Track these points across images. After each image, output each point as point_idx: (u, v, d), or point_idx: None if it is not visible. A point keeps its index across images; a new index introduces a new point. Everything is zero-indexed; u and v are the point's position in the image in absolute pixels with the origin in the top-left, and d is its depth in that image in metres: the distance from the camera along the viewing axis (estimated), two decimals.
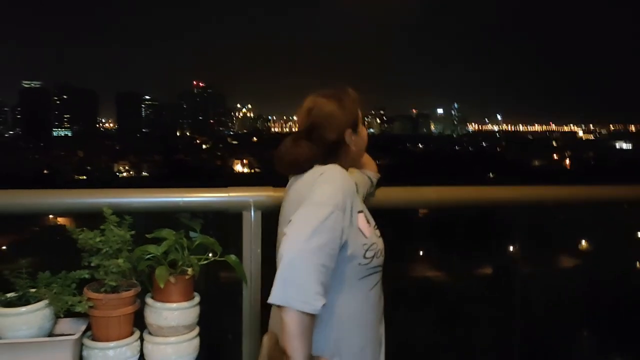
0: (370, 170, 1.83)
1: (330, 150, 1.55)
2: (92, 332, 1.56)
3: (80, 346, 1.53)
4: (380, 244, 1.51)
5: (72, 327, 1.57)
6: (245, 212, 1.81)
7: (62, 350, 1.47)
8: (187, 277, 1.58)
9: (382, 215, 1.65)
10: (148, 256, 1.57)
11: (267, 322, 1.62)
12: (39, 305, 1.48)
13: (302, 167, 1.53)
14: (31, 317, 1.47)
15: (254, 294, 1.80)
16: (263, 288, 1.82)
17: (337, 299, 1.40)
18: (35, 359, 1.45)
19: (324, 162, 1.51)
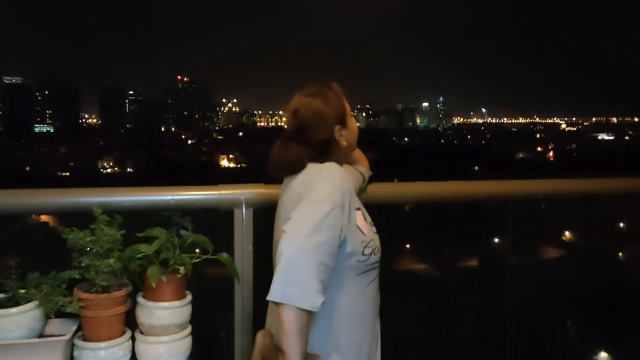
0: (362, 166, 1.84)
1: (322, 149, 1.55)
2: (83, 333, 1.55)
3: (71, 346, 1.52)
4: (377, 240, 1.52)
5: (62, 328, 1.56)
6: (236, 210, 1.81)
7: (53, 351, 1.46)
8: (179, 275, 1.57)
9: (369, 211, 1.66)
10: (139, 255, 1.56)
11: (259, 320, 1.62)
12: (29, 306, 1.47)
13: (294, 168, 1.53)
14: (21, 318, 1.45)
15: (246, 291, 1.80)
16: (255, 286, 1.82)
17: (335, 295, 1.41)
18: None
19: (317, 161, 1.52)
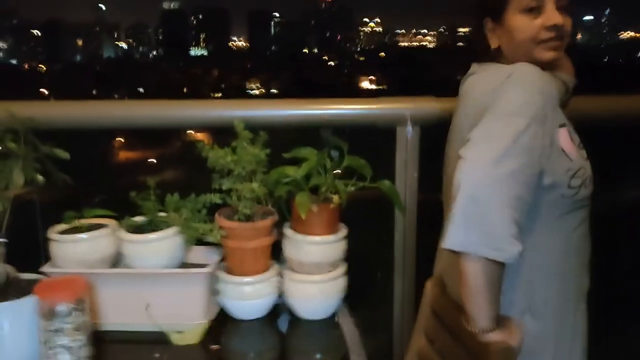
0: (564, 73, 1.38)
1: (481, 47, 1.22)
2: (226, 264, 1.37)
3: (213, 278, 1.35)
4: (588, 168, 1.13)
5: (204, 257, 1.39)
6: (399, 128, 1.48)
7: (195, 283, 1.29)
8: (332, 205, 1.30)
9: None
10: (286, 180, 1.32)
11: (423, 261, 1.33)
12: (169, 231, 1.30)
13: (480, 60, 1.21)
14: (162, 245, 1.29)
15: (408, 226, 1.50)
16: (418, 220, 1.51)
17: (529, 241, 1.05)
18: (166, 291, 1.29)
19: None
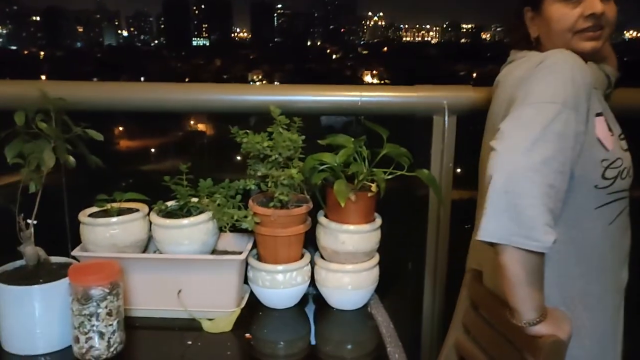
0: (608, 65, 1.35)
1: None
2: (258, 252, 1.34)
3: (245, 266, 1.33)
4: (627, 160, 1.10)
5: (236, 244, 1.37)
6: (436, 117, 1.45)
7: (228, 270, 1.27)
8: (369, 194, 1.27)
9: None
10: (323, 167, 1.29)
11: (458, 252, 1.31)
12: (202, 217, 1.27)
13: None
14: (194, 231, 1.27)
15: (443, 217, 1.47)
16: (452, 210, 1.48)
17: (563, 233, 1.03)
18: (198, 277, 1.26)
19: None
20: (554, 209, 0.93)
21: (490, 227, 0.92)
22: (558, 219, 0.96)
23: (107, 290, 1.09)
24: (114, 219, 1.26)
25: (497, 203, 0.92)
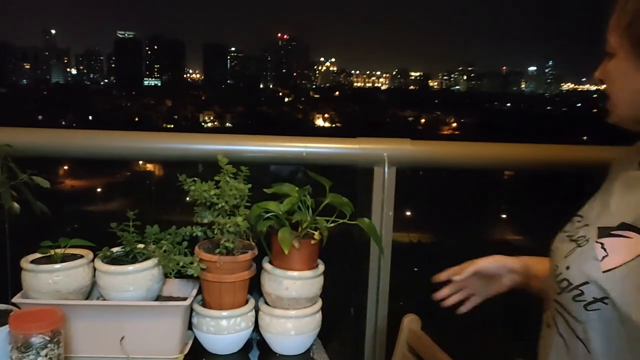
0: None
1: None
2: (203, 298, 1.36)
3: (190, 312, 1.34)
4: None
5: (181, 290, 1.39)
6: (377, 168, 1.53)
7: (173, 316, 1.28)
8: (312, 242, 1.33)
9: None
10: (268, 215, 1.34)
11: (397, 299, 1.36)
12: (148, 263, 1.29)
13: None
14: (139, 277, 1.28)
15: (384, 264, 1.54)
16: (393, 258, 1.55)
17: None
18: (142, 323, 1.27)
19: None
20: None
21: None
22: None
23: (48, 338, 1.08)
24: (57, 266, 1.26)
25: None
